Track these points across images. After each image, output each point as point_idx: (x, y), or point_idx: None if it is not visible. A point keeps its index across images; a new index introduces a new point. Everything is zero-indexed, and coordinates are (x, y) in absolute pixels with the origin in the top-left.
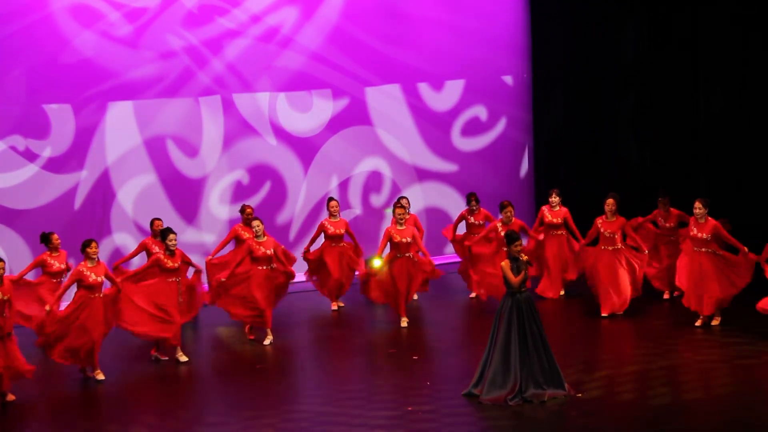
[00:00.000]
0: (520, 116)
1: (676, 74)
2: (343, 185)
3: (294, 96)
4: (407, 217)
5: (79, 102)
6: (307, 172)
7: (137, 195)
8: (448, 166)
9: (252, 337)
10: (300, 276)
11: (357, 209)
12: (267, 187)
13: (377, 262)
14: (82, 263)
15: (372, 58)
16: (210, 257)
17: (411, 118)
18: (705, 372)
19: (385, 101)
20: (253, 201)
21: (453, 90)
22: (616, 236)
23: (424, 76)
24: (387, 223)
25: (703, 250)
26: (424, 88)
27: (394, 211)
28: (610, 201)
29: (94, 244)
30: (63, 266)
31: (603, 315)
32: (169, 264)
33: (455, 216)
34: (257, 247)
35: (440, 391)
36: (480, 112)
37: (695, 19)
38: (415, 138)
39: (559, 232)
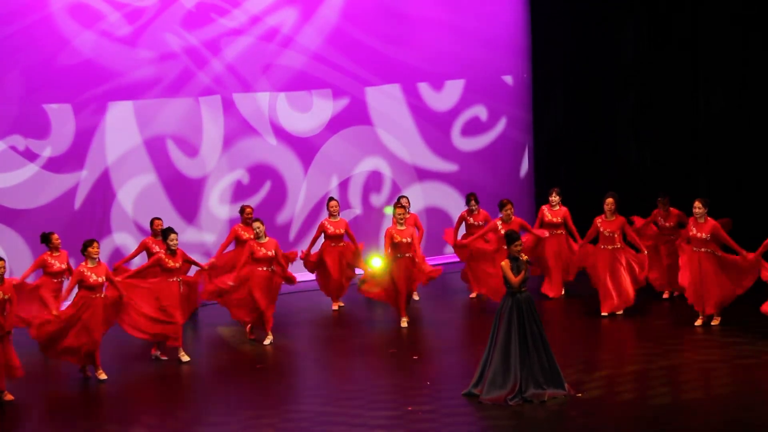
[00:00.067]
0: (520, 116)
1: (676, 74)
2: (343, 185)
3: (294, 96)
4: (407, 216)
5: (79, 102)
6: (307, 172)
7: (137, 195)
8: (448, 166)
9: (252, 337)
10: (301, 276)
11: (357, 209)
12: (267, 187)
13: (377, 262)
14: (83, 264)
15: (372, 58)
16: (213, 260)
17: (411, 118)
18: (705, 372)
19: (385, 101)
20: (253, 201)
21: (453, 90)
22: (616, 235)
23: (424, 76)
24: (387, 222)
25: (703, 250)
26: (424, 88)
27: (394, 211)
28: (609, 200)
29: (96, 245)
30: (64, 266)
31: (603, 314)
32: (171, 264)
33: (455, 216)
34: (258, 248)
35: (440, 391)
36: (480, 112)
37: (695, 19)
38: (415, 138)
39: (559, 232)
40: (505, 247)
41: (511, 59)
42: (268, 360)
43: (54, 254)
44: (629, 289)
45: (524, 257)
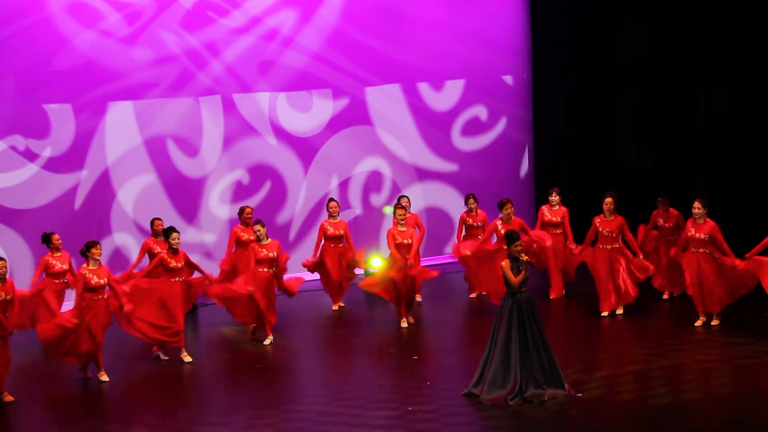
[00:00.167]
0: (520, 116)
1: (676, 74)
2: (343, 185)
3: (294, 96)
4: (408, 216)
5: (79, 102)
6: (307, 172)
7: (137, 195)
8: (448, 166)
9: (253, 338)
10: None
11: (357, 209)
12: (267, 187)
13: (377, 262)
14: (84, 266)
15: (372, 58)
16: (226, 268)
17: (411, 118)
18: (705, 372)
19: (385, 101)
20: (253, 201)
21: (453, 90)
22: (615, 235)
23: (424, 76)
24: (387, 223)
25: (701, 250)
26: (424, 88)
27: (394, 212)
28: (608, 200)
29: (99, 247)
30: (65, 267)
31: (602, 314)
32: (173, 263)
33: (455, 215)
34: (260, 249)
35: (440, 391)
36: (480, 112)
37: (695, 20)
38: (415, 138)
39: (558, 231)
40: (505, 248)
41: (511, 59)
42: (268, 360)
43: (55, 255)
44: (629, 287)
45: (524, 257)
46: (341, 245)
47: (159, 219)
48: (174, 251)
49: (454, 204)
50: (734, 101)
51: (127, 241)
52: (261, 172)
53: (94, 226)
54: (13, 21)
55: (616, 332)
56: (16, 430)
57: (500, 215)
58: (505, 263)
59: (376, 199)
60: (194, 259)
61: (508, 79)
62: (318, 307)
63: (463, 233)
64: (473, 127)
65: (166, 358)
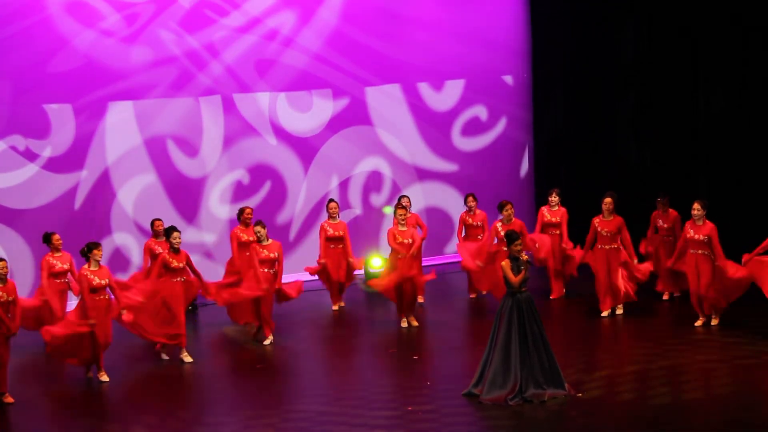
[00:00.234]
0: (520, 116)
1: (676, 74)
2: (343, 185)
3: (294, 96)
4: (408, 216)
5: (79, 102)
6: (307, 172)
7: (137, 195)
8: (448, 166)
9: (255, 338)
10: (300, 276)
11: (357, 209)
12: (267, 187)
13: (377, 262)
14: (85, 267)
15: (372, 59)
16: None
17: (411, 118)
18: (705, 372)
19: (385, 101)
20: (253, 201)
21: (453, 90)
22: (614, 235)
23: (424, 76)
24: (387, 223)
25: (700, 252)
26: (424, 88)
27: (395, 212)
28: (607, 200)
29: (100, 248)
30: (66, 267)
31: (603, 314)
32: (174, 263)
33: (455, 215)
34: (260, 250)
35: (440, 391)
36: (480, 112)
37: (695, 20)
38: (415, 138)
39: (557, 232)
40: (505, 248)
41: (511, 59)
42: (268, 360)
43: (55, 255)
44: (629, 289)
45: (524, 257)
46: (341, 246)
47: (159, 219)
48: (175, 251)
49: (454, 204)
50: (734, 101)
51: (127, 241)
52: (261, 172)
53: (94, 226)
54: (13, 21)
55: (616, 332)
56: (16, 430)
57: (500, 217)
58: (505, 263)
59: (376, 199)
60: (194, 259)
61: (508, 79)
62: (318, 307)
63: (463, 233)
64: (473, 127)
65: (167, 358)
